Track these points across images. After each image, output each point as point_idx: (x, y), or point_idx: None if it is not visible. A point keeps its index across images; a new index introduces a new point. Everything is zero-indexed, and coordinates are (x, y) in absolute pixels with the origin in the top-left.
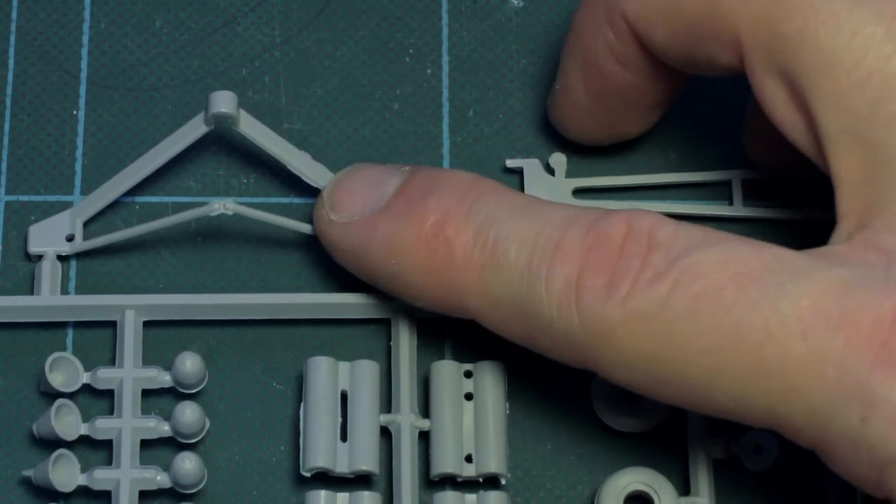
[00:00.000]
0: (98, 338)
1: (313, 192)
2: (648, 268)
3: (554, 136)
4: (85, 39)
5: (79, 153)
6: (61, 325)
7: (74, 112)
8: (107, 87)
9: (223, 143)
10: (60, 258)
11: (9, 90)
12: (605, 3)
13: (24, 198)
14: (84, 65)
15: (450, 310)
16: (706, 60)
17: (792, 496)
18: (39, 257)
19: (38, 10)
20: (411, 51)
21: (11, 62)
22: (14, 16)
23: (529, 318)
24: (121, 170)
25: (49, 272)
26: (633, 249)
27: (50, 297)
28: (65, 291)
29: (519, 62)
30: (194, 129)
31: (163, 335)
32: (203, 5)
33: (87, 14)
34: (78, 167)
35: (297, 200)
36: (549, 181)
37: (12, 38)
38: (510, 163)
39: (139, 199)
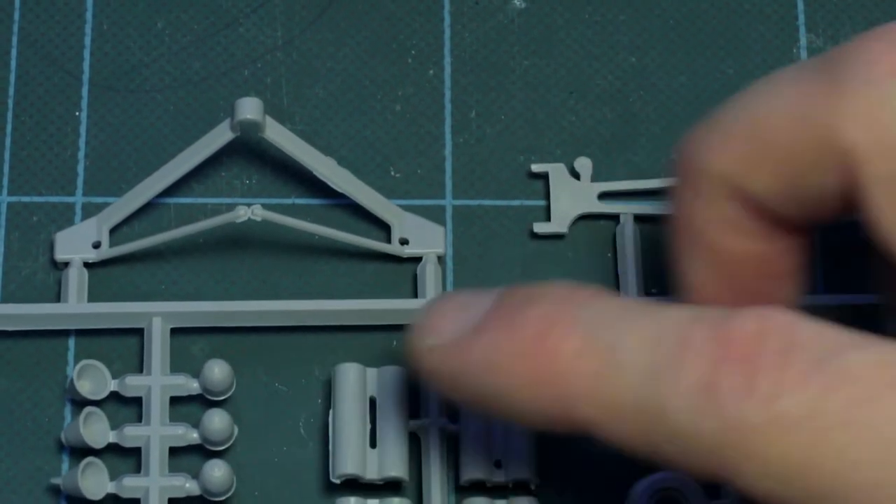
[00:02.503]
0: (124, 345)
1: (316, 192)
2: (793, 366)
3: (556, 138)
4: (87, 41)
5: (81, 154)
6: (89, 332)
7: (77, 113)
8: (109, 89)
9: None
10: (87, 265)
11: (11, 91)
12: (708, 181)
13: (27, 199)
14: (86, 66)
15: (559, 423)
16: (814, 199)
17: None
18: (66, 264)
19: (40, 11)
20: (413, 52)
21: (14, 63)
22: (16, 17)
23: (653, 424)
24: (122, 171)
25: (76, 279)
26: (773, 346)
27: (77, 305)
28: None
29: (521, 63)
30: (220, 136)
31: (189, 342)
32: (205, 6)
33: (89, 15)
34: (80, 169)
35: (298, 201)
36: (575, 185)
37: (14, 40)
38: (535, 167)
39: (156, 200)
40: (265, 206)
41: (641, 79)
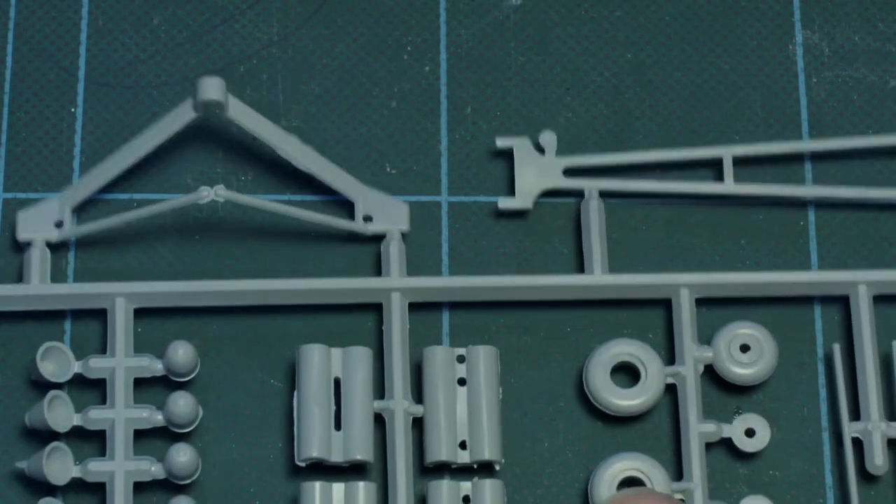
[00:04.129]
0: (95, 329)
1: (309, 187)
2: None
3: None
4: (83, 37)
5: (77, 150)
6: (56, 316)
7: (73, 109)
8: (105, 85)
9: (221, 139)
10: (51, 246)
11: (7, 87)
12: None
13: (22, 195)
14: (82, 62)
15: None
16: None
17: (785, 479)
18: (28, 244)
19: (36, 7)
20: (409, 48)
21: (9, 59)
22: (12, 13)
23: None
24: (169, 175)
25: (38, 260)
26: None
27: (39, 286)
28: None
29: (517, 59)
30: (182, 116)
31: (156, 325)
32: (201, 3)
33: (85, 11)
34: (76, 164)
35: (294, 198)
36: (540, 160)
37: (10, 36)
38: (500, 142)
39: (137, 196)
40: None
41: (637, 75)
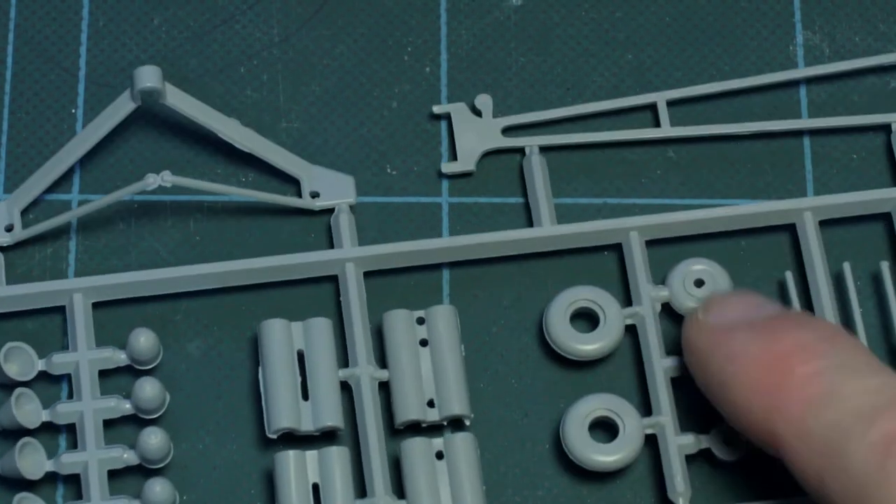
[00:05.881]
0: (52, 324)
1: (258, 167)
2: None
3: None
4: (83, 38)
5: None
6: (11, 315)
7: (73, 111)
8: (105, 86)
9: (166, 126)
10: (2, 249)
11: (7, 88)
12: None
13: None
14: (82, 63)
15: (759, 433)
16: None
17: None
18: None
19: (37, 8)
20: (410, 49)
21: (10, 60)
22: (12, 14)
23: (832, 458)
24: (119, 168)
25: None
26: None
27: None
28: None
29: (517, 60)
30: (122, 107)
31: (115, 316)
32: (201, 3)
33: (85, 12)
34: (76, 166)
35: (244, 178)
36: (478, 123)
37: (11, 37)
38: (437, 109)
39: (93, 197)
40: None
41: (638, 75)
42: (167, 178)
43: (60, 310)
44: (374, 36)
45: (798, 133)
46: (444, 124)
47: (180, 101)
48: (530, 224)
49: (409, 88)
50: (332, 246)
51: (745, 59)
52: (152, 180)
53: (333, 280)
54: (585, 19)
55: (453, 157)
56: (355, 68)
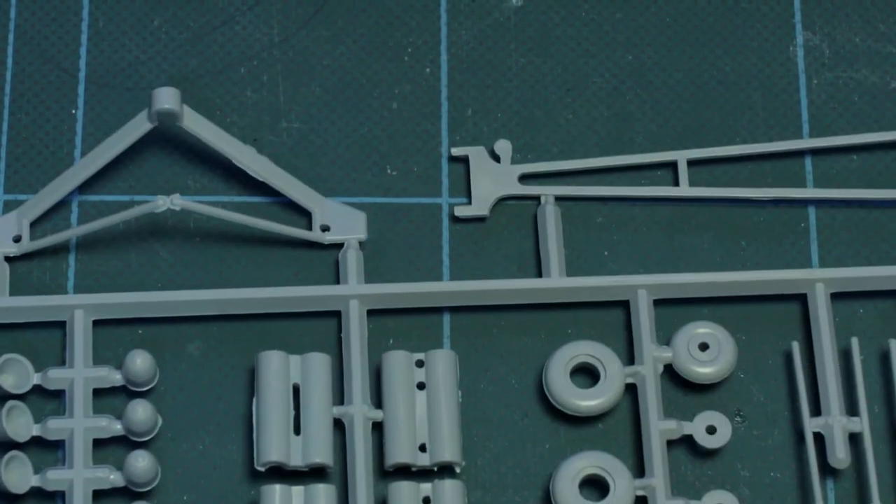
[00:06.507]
0: (51, 338)
1: (270, 190)
2: None
3: (553, 136)
4: (83, 38)
5: (77, 152)
6: (11, 326)
7: (73, 111)
8: (105, 86)
9: (178, 142)
10: (8, 259)
11: (7, 89)
12: None
13: (23, 196)
14: (83, 64)
15: None
16: None
17: (748, 475)
18: None
19: (37, 8)
20: (410, 49)
21: (10, 61)
22: (13, 14)
23: None
24: (118, 168)
25: None
26: None
27: None
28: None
29: (518, 61)
30: (138, 127)
31: (115, 335)
32: (201, 4)
33: (85, 13)
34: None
35: (253, 199)
36: (495, 168)
37: (11, 37)
38: (455, 151)
39: (92, 197)
40: (217, 204)
41: (638, 76)
42: (177, 201)
43: (61, 324)
44: (374, 36)
45: (803, 202)
46: (444, 124)
47: (197, 125)
48: (538, 269)
49: (409, 89)
50: (338, 280)
51: (746, 60)
52: (162, 202)
53: (336, 315)
54: (585, 20)
55: (467, 194)
56: (355, 69)
